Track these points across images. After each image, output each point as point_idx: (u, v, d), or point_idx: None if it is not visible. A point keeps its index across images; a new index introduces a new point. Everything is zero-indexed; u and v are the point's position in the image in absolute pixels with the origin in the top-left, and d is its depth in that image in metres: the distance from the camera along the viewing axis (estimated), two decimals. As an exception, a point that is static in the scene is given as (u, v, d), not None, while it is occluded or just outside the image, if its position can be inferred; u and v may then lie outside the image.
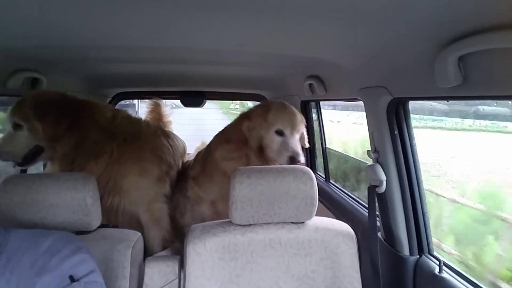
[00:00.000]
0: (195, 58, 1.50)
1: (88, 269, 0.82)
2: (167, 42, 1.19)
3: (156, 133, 1.89)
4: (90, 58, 1.50)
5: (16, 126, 1.50)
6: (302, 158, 1.60)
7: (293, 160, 1.57)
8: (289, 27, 0.96)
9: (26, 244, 0.81)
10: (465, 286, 1.04)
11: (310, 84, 1.78)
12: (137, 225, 1.69)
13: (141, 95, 2.93)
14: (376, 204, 1.30)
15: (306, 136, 1.79)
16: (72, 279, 0.78)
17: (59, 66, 1.60)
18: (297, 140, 1.66)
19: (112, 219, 1.66)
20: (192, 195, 1.83)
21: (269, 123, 1.63)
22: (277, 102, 1.76)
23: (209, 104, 2.78)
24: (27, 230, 0.87)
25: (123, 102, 2.94)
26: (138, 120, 1.86)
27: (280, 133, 1.63)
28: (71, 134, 1.54)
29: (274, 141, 1.63)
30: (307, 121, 2.31)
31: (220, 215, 1.67)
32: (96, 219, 1.12)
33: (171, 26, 0.99)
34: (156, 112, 2.42)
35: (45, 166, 1.90)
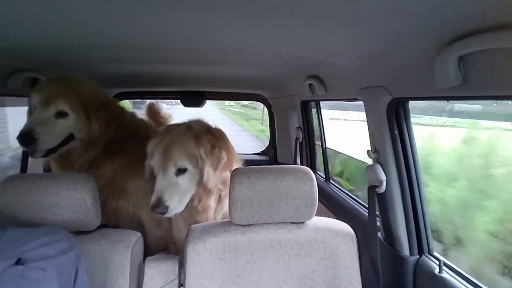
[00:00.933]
0: (195, 58, 1.50)
1: (41, 256, 0.76)
2: (168, 42, 1.19)
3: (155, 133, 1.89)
4: (90, 58, 1.50)
5: (60, 114, 1.39)
6: (164, 210, 1.25)
7: (156, 213, 1.27)
8: (289, 27, 0.96)
9: (18, 242, 0.80)
10: (465, 286, 1.04)
11: (310, 84, 1.78)
12: (138, 227, 1.69)
13: (141, 95, 2.93)
14: (376, 204, 1.30)
15: (208, 175, 1.34)
16: (18, 262, 0.73)
17: (59, 66, 1.59)
18: (172, 181, 1.30)
19: (113, 220, 1.65)
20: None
21: (148, 155, 1.39)
22: (168, 128, 1.46)
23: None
24: (24, 228, 0.87)
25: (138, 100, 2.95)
26: (143, 120, 1.86)
27: (154, 170, 1.34)
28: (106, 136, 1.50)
29: (150, 180, 1.37)
30: (307, 121, 2.34)
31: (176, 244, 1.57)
32: (96, 219, 1.12)
33: (171, 26, 0.99)
34: (155, 114, 2.42)
35: (45, 169, 1.83)
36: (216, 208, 1.52)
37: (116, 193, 1.61)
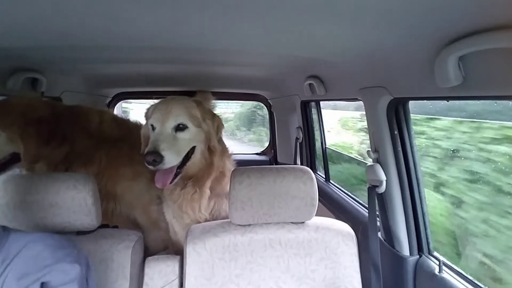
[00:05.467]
0: (195, 58, 1.50)
1: (64, 279, 0.79)
2: (167, 42, 1.19)
3: None
4: (90, 58, 1.50)
5: None
6: (159, 158, 1.24)
7: (148, 160, 1.25)
8: (289, 27, 0.96)
9: (23, 249, 0.79)
10: (465, 286, 1.04)
11: (310, 84, 1.78)
12: (134, 227, 1.68)
13: (141, 95, 2.93)
14: (376, 204, 1.30)
15: (211, 137, 1.43)
16: (42, 286, 0.76)
17: (59, 66, 1.59)
18: (169, 135, 1.33)
19: (107, 222, 1.64)
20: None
21: (148, 119, 1.44)
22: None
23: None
24: (27, 233, 0.86)
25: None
26: (125, 121, 1.79)
27: (153, 128, 1.37)
28: (60, 147, 1.48)
29: (150, 138, 1.38)
30: (307, 121, 2.34)
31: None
32: (96, 219, 1.12)
33: (171, 26, 0.99)
34: None
35: None
36: (208, 203, 1.51)
37: (103, 198, 1.60)
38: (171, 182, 1.35)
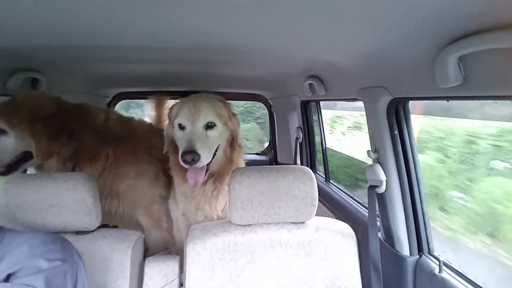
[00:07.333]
0: (195, 58, 1.50)
1: (31, 272, 0.76)
2: (167, 42, 1.19)
3: (150, 132, 1.84)
4: (90, 58, 1.50)
5: (1, 132, 1.39)
6: (197, 157, 1.27)
7: (185, 160, 1.27)
8: (289, 27, 0.96)
9: (15, 250, 0.79)
10: (465, 286, 1.04)
11: (310, 84, 1.79)
12: (136, 228, 1.68)
13: (141, 95, 2.93)
14: (376, 204, 1.30)
15: (237, 134, 1.51)
16: (8, 278, 0.74)
17: (59, 66, 1.59)
18: (202, 134, 1.36)
19: (110, 222, 1.64)
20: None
21: (173, 118, 1.45)
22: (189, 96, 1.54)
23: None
24: (23, 233, 0.85)
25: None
26: (130, 119, 1.81)
27: (182, 127, 1.40)
28: (69, 143, 1.49)
29: (177, 137, 1.42)
30: (307, 121, 2.34)
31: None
32: (96, 219, 1.12)
33: (171, 26, 0.99)
34: (159, 110, 2.40)
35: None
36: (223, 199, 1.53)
37: (107, 196, 1.60)
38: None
